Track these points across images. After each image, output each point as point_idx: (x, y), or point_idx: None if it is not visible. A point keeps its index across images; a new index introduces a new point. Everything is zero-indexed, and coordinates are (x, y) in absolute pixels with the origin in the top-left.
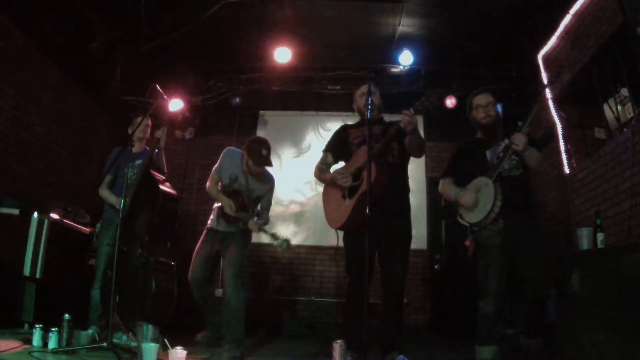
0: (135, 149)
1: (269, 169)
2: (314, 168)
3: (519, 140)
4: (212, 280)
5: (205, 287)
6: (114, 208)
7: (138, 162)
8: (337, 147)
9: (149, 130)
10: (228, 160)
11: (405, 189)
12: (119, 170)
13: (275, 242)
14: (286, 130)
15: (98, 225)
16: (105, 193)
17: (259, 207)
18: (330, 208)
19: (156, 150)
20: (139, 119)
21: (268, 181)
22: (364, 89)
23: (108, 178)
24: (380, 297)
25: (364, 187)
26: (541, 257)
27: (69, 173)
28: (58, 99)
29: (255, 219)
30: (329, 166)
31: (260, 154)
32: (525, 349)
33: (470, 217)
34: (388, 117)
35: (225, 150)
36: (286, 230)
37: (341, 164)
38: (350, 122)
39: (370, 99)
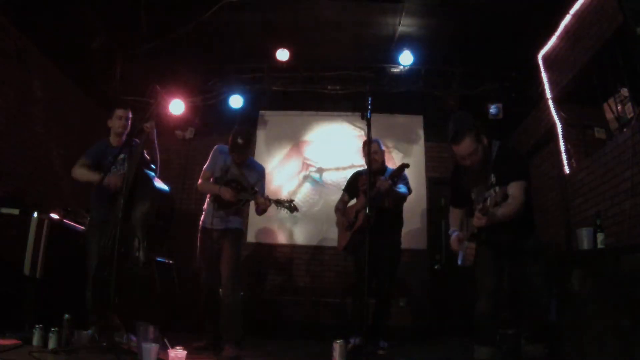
0: (114, 143)
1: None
2: (336, 204)
3: (478, 221)
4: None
5: (216, 295)
6: (101, 206)
7: (121, 156)
8: (351, 189)
9: (128, 123)
10: (218, 155)
11: (398, 227)
12: (100, 163)
13: (283, 207)
14: (286, 130)
15: (86, 225)
16: (80, 170)
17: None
18: (339, 235)
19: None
20: (118, 111)
21: (258, 169)
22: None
23: (83, 160)
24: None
25: (357, 224)
26: (534, 266)
27: (69, 173)
28: (58, 99)
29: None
30: (346, 203)
31: (235, 142)
32: (528, 354)
33: (459, 259)
34: (388, 118)
35: (214, 147)
36: (286, 230)
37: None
38: (358, 168)
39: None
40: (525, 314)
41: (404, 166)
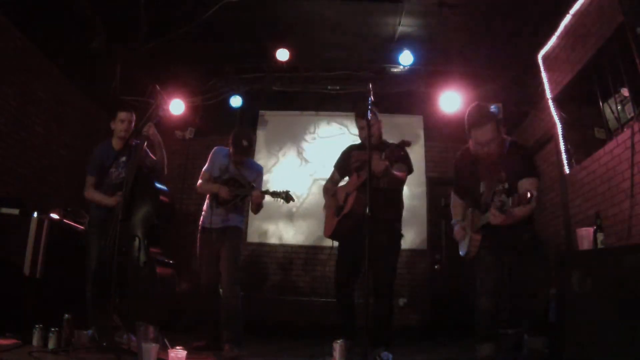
0: (116, 146)
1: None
2: (325, 183)
3: (495, 219)
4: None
5: (216, 294)
6: (100, 207)
7: (122, 159)
8: (342, 166)
9: (131, 126)
10: (217, 156)
11: (395, 208)
12: (103, 168)
13: (279, 198)
14: (286, 130)
15: (86, 225)
16: (95, 195)
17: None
18: (327, 219)
19: (146, 148)
20: (121, 114)
21: (256, 169)
22: (363, 123)
23: (91, 179)
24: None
25: (345, 209)
26: (533, 259)
27: (69, 173)
28: (58, 99)
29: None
30: (336, 183)
31: (240, 144)
32: (530, 348)
33: (460, 249)
34: (388, 118)
35: (213, 149)
36: (286, 230)
37: (346, 179)
38: (355, 143)
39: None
40: (525, 307)
41: (405, 144)
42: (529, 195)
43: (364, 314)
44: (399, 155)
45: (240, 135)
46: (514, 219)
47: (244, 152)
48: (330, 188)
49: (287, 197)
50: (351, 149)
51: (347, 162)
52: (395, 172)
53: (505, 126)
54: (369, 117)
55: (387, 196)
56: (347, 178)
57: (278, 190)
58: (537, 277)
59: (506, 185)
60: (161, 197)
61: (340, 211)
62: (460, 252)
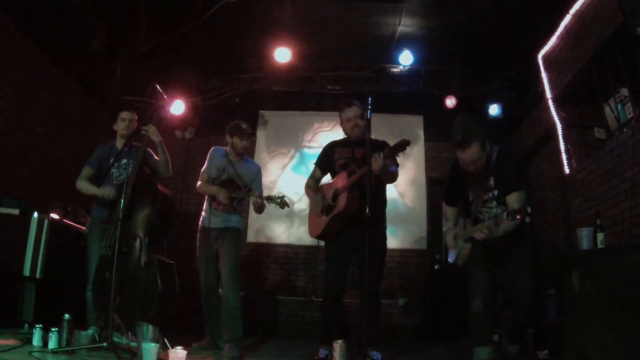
0: (120, 146)
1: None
2: (306, 180)
3: (481, 236)
4: (219, 284)
5: (215, 295)
6: (101, 207)
7: (124, 161)
8: (324, 163)
9: (134, 125)
10: (214, 156)
11: (381, 206)
12: (102, 167)
13: (273, 203)
14: (286, 130)
15: (87, 225)
16: (84, 185)
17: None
18: (312, 219)
19: (149, 149)
20: (123, 113)
21: (254, 166)
22: (350, 113)
23: (87, 170)
24: (352, 297)
25: (337, 209)
26: (521, 269)
27: (69, 173)
28: (58, 99)
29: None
30: (318, 180)
31: (239, 127)
32: (505, 353)
33: (449, 257)
34: (388, 118)
35: (211, 149)
36: (285, 230)
37: (328, 176)
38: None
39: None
40: (507, 314)
41: (407, 143)
42: (518, 218)
43: (364, 315)
44: (398, 152)
45: (237, 123)
46: (499, 235)
47: (246, 135)
48: (312, 186)
49: (281, 202)
50: (333, 145)
51: (330, 159)
52: (392, 170)
53: (493, 136)
54: (360, 115)
55: (377, 195)
56: (329, 175)
57: (273, 195)
58: (523, 287)
59: (495, 193)
60: (162, 198)
61: (329, 210)
62: (449, 260)
